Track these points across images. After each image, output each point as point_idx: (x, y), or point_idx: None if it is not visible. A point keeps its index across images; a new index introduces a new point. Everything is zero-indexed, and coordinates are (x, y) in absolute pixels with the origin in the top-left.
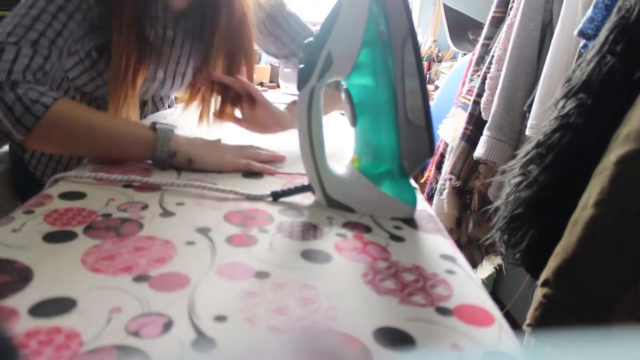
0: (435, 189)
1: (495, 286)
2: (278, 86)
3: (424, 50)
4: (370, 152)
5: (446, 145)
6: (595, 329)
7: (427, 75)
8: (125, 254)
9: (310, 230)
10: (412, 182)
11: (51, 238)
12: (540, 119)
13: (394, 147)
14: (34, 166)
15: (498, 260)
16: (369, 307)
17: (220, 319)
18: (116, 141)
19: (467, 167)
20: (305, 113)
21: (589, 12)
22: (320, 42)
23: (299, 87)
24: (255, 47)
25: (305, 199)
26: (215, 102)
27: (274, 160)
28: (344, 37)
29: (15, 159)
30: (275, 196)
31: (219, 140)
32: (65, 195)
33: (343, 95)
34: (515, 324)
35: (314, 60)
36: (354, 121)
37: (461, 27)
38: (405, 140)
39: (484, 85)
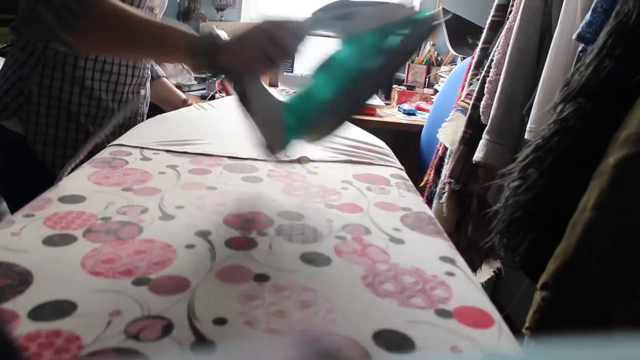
0: (435, 193)
1: (494, 290)
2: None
3: (423, 54)
4: (303, 96)
5: (445, 148)
6: (594, 332)
7: (427, 79)
8: (124, 257)
9: (309, 233)
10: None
11: (51, 241)
12: (539, 123)
13: (318, 104)
14: (41, 152)
15: (497, 263)
16: (368, 309)
17: (220, 322)
18: (156, 36)
19: (467, 171)
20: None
21: (588, 16)
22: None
23: (315, 11)
24: None
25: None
26: None
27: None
28: (374, 11)
29: (19, 148)
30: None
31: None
32: (65, 199)
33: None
34: (514, 328)
35: (343, 5)
36: (315, 71)
37: (460, 31)
38: (333, 105)
39: (483, 89)
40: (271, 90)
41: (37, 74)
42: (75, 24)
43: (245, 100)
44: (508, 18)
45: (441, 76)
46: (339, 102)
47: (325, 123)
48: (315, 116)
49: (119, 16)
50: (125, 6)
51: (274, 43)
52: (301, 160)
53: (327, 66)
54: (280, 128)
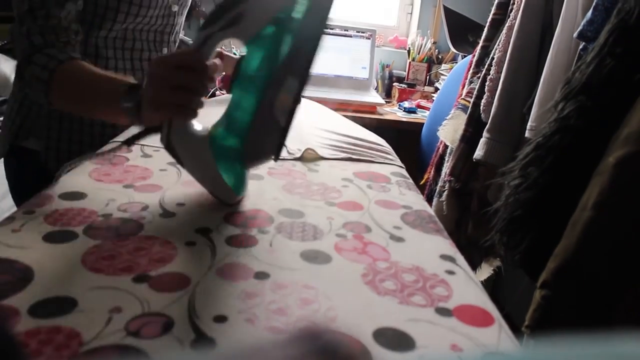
0: (435, 191)
1: (494, 288)
2: None
3: (424, 51)
4: (226, 121)
5: (445, 147)
6: (594, 330)
7: (427, 77)
8: (125, 254)
9: (310, 230)
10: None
11: (51, 238)
12: (539, 121)
13: (244, 128)
14: (54, 169)
15: (497, 262)
16: (369, 307)
17: (220, 319)
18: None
19: (467, 169)
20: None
21: (589, 15)
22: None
23: (201, 27)
24: None
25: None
26: None
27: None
28: (261, 5)
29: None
30: (129, 142)
31: None
32: (65, 196)
33: (236, 59)
34: (514, 326)
35: (226, 10)
36: (229, 87)
37: (461, 29)
38: (257, 129)
39: (484, 87)
40: (198, 138)
41: None
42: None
43: (177, 158)
44: (509, 16)
45: (442, 74)
46: (263, 118)
47: (262, 147)
48: (250, 152)
49: (82, 78)
50: (88, 66)
51: (179, 87)
52: (303, 159)
53: (241, 82)
54: (223, 184)
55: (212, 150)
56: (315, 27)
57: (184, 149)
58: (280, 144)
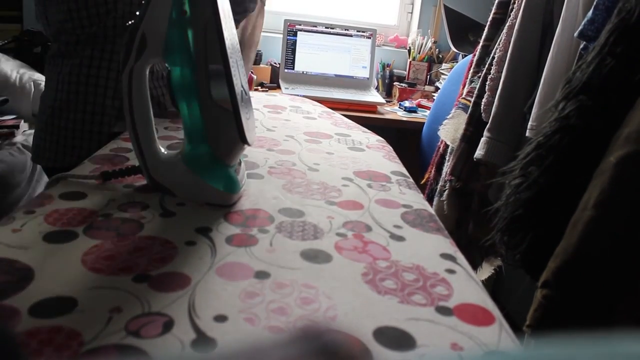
0: (436, 191)
1: (495, 288)
2: (279, 86)
3: (425, 51)
4: (186, 135)
5: (446, 146)
6: (595, 330)
7: (428, 77)
8: (125, 253)
9: (310, 230)
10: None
11: (52, 238)
12: (540, 121)
13: (200, 130)
14: None
15: (498, 261)
16: (369, 306)
17: (220, 319)
18: None
19: (468, 169)
20: (127, 94)
21: (590, 14)
22: (137, 23)
23: (121, 69)
24: (258, 48)
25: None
26: None
27: None
28: (155, 17)
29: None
30: (106, 177)
31: None
32: (65, 196)
33: (167, 77)
34: (515, 326)
35: (132, 41)
36: (174, 103)
37: (462, 29)
38: (211, 124)
39: (485, 86)
40: (173, 163)
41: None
42: None
43: (167, 191)
44: (509, 15)
45: (442, 73)
46: (211, 113)
47: (226, 138)
48: (219, 149)
49: None
50: None
51: None
52: None
53: (178, 95)
54: (215, 191)
55: (190, 168)
56: (204, 4)
57: (167, 178)
58: (240, 127)
